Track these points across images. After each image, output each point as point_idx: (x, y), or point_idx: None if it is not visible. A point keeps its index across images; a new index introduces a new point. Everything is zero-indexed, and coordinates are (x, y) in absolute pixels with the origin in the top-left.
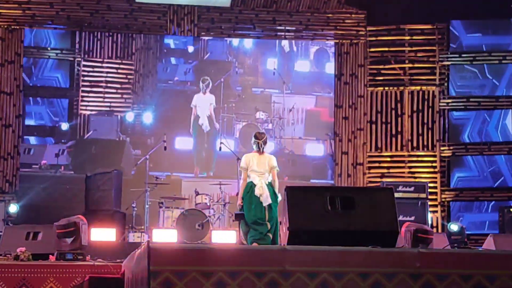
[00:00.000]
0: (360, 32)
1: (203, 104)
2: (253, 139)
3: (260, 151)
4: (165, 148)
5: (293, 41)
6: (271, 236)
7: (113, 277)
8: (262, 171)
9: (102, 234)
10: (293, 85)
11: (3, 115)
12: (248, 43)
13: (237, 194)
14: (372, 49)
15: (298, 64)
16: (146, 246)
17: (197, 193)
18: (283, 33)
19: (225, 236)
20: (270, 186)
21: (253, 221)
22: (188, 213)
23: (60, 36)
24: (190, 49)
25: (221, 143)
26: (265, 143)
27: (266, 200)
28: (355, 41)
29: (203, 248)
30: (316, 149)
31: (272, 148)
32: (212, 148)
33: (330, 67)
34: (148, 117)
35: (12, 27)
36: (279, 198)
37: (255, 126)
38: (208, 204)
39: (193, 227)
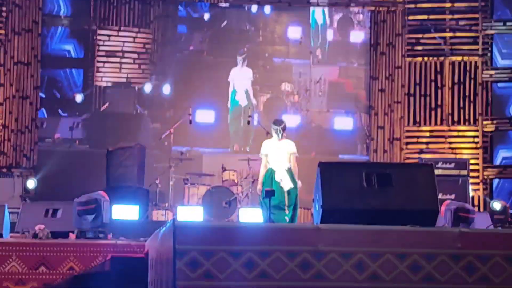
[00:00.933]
0: None
1: (241, 78)
2: (272, 125)
3: (279, 137)
4: (190, 121)
5: (326, 13)
6: (287, 220)
7: (136, 257)
8: (281, 157)
9: (125, 212)
10: (319, 55)
11: (20, 86)
12: (267, 10)
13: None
14: (411, 17)
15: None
16: (171, 224)
17: (224, 169)
18: (315, 0)
19: (253, 214)
20: (290, 171)
21: (274, 205)
22: (214, 190)
23: (73, 3)
24: (206, 16)
25: (249, 116)
26: (283, 129)
27: (287, 184)
28: (392, 9)
29: (231, 227)
30: (345, 122)
31: (298, 121)
32: (250, 124)
33: (354, 36)
34: (167, 89)
35: None
36: (299, 184)
37: (280, 99)
38: (236, 180)
39: (220, 205)
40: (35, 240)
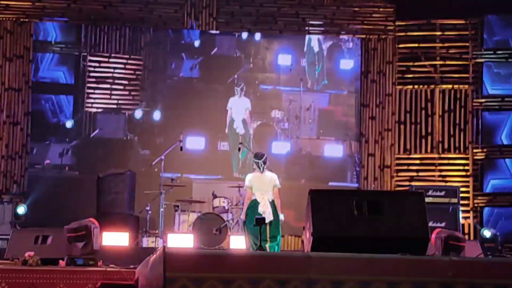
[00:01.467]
0: (389, 27)
1: (239, 107)
2: (253, 159)
3: (261, 170)
4: (181, 148)
5: (322, 40)
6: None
7: (126, 284)
8: (264, 190)
9: (115, 239)
10: (309, 82)
11: (11, 112)
12: (258, 37)
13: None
14: (401, 45)
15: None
16: (161, 252)
17: (215, 196)
18: (306, 28)
19: (244, 242)
20: (273, 204)
21: (256, 235)
22: (205, 217)
23: (64, 30)
24: (196, 43)
25: (240, 143)
26: (264, 162)
27: (269, 216)
28: (383, 36)
29: (222, 254)
30: (334, 149)
31: (288, 149)
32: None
33: (344, 64)
34: (157, 115)
35: (21, 19)
36: (281, 217)
37: (270, 126)
38: (227, 207)
39: (210, 232)
40: (25, 267)
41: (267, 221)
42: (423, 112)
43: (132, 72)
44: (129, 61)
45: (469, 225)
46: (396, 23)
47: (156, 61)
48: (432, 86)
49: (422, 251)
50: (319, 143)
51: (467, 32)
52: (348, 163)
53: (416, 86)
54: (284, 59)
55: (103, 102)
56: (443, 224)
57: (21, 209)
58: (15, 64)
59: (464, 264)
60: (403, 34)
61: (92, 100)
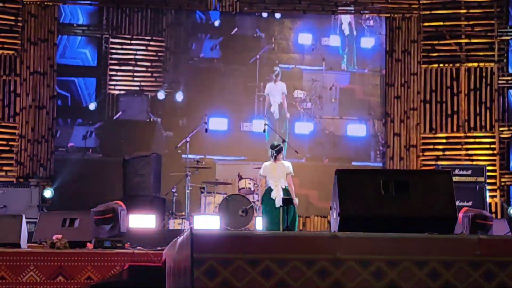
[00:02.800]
0: (413, 6)
1: (275, 92)
2: (268, 149)
3: (273, 160)
4: (206, 130)
5: (353, 24)
6: None
7: (153, 266)
8: (277, 178)
9: (141, 221)
10: (328, 62)
11: (36, 96)
12: (278, 16)
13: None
14: (426, 24)
15: (330, 38)
16: (189, 233)
17: (241, 178)
18: (330, 8)
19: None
20: (286, 190)
21: (270, 220)
22: (231, 199)
23: (87, 13)
24: (217, 23)
25: (265, 124)
26: (278, 152)
27: (278, 202)
28: (407, 15)
29: (249, 235)
30: (358, 129)
31: (312, 129)
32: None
33: (365, 42)
34: (180, 97)
35: (45, 3)
36: (295, 201)
37: (292, 106)
38: (252, 189)
39: (237, 213)
40: (52, 250)
41: (277, 206)
42: (449, 90)
43: (154, 53)
44: (151, 43)
45: (496, 204)
46: (421, 1)
47: (178, 42)
48: (458, 65)
49: (450, 230)
50: (342, 123)
51: (493, 10)
52: (372, 142)
53: (441, 65)
54: (305, 39)
55: (126, 84)
56: (470, 203)
57: (48, 193)
58: (40, 48)
59: (492, 242)
60: (427, 12)
61: (114, 82)
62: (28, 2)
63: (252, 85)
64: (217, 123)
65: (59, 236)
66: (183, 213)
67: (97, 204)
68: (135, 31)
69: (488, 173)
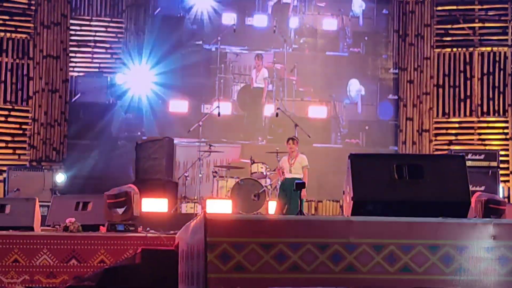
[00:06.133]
0: None
1: (259, 78)
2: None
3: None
4: (218, 114)
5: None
6: None
7: (166, 249)
8: (293, 171)
9: (154, 205)
10: (249, 41)
11: (49, 79)
12: None
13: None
14: (439, 8)
15: (256, 18)
16: (202, 217)
17: (253, 162)
18: None
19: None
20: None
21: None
22: (243, 183)
23: None
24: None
25: (277, 108)
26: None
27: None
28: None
29: (262, 219)
30: (319, 111)
31: (272, 111)
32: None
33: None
34: None
35: None
36: (303, 193)
37: (253, 88)
38: (265, 173)
39: (249, 198)
40: (66, 233)
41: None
42: (462, 75)
43: (114, 35)
44: (111, 24)
45: (508, 188)
46: None
47: (138, 23)
48: (471, 49)
49: (464, 215)
50: (303, 105)
51: None
52: (331, 124)
53: (454, 49)
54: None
55: (85, 66)
56: (482, 188)
57: (60, 177)
58: (53, 31)
59: (506, 226)
60: None
61: (73, 64)
62: None
63: (214, 67)
64: (178, 106)
65: (72, 219)
66: (196, 197)
67: (108, 188)
68: (94, 12)
69: (501, 158)
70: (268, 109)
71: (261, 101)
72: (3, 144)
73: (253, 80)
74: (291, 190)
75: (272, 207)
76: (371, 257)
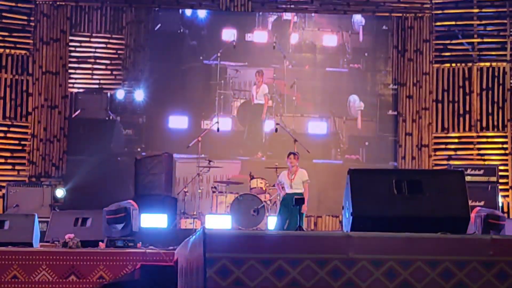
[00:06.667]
0: (425, 5)
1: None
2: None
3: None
4: (218, 129)
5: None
6: None
7: (166, 265)
8: (293, 186)
9: (153, 220)
10: (249, 57)
11: (48, 96)
12: (202, 13)
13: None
14: (438, 23)
15: (256, 35)
16: (201, 233)
17: (252, 177)
18: (342, 8)
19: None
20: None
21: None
22: (242, 198)
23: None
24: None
25: (277, 123)
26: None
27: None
28: (419, 15)
29: (261, 235)
30: (318, 127)
31: (272, 126)
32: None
33: (292, 38)
34: (139, 95)
35: (58, 3)
36: (303, 208)
37: (251, 104)
38: (264, 188)
39: (248, 213)
40: (65, 249)
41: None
42: (461, 90)
43: (114, 51)
44: (111, 40)
45: (508, 203)
46: (433, 1)
47: (138, 40)
48: (470, 64)
49: (463, 230)
50: (303, 121)
51: (505, 9)
52: (332, 140)
53: (453, 65)
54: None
55: (85, 82)
56: (482, 203)
57: (60, 192)
58: (52, 47)
59: (505, 242)
60: (439, 11)
61: (73, 81)
62: (40, 2)
63: (214, 83)
64: (177, 121)
65: (72, 235)
66: (195, 213)
67: (109, 203)
68: (94, 29)
69: (500, 173)
70: (268, 125)
71: (261, 117)
72: (2, 160)
73: (254, 96)
74: (290, 205)
75: (271, 222)
76: (370, 273)
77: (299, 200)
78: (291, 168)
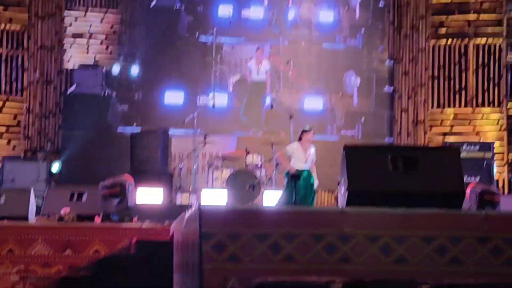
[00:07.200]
0: None
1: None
2: None
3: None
4: (213, 105)
5: None
6: None
7: (161, 240)
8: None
9: (149, 195)
10: (245, 33)
11: (44, 71)
12: None
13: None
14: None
15: (252, 10)
16: (197, 208)
17: (248, 153)
18: None
19: (277, 198)
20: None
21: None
22: (238, 174)
23: None
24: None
25: (273, 100)
26: (301, 135)
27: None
28: None
29: (257, 210)
30: (314, 103)
31: (268, 102)
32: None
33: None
34: (135, 70)
35: None
36: (316, 182)
37: (251, 81)
38: (259, 164)
39: (244, 188)
40: (60, 224)
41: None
42: (457, 67)
43: (110, 26)
44: (106, 15)
45: (503, 179)
46: None
47: (134, 15)
48: (466, 41)
49: (458, 206)
50: (299, 96)
51: None
52: (328, 116)
53: (449, 41)
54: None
55: (80, 58)
56: (477, 179)
57: (55, 166)
58: (48, 22)
59: (499, 218)
60: None
61: (68, 56)
62: None
63: (209, 59)
64: (173, 97)
65: (67, 210)
66: (191, 188)
67: (104, 178)
68: (89, 3)
69: (495, 149)
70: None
71: (262, 93)
72: None
73: (253, 72)
74: (308, 181)
75: (267, 198)
76: (365, 248)
77: (294, 176)
78: (307, 144)
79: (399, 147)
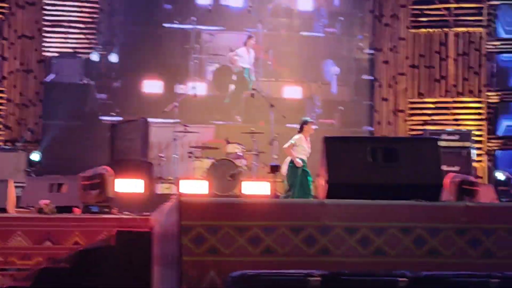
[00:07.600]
0: None
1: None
2: None
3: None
4: (195, 95)
5: None
6: None
7: (141, 231)
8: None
9: (129, 185)
10: (224, 21)
11: (24, 60)
12: None
13: None
14: None
15: None
16: (176, 200)
17: (228, 142)
18: None
19: (257, 188)
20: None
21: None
22: (218, 163)
23: None
24: None
25: (253, 89)
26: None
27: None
28: None
29: (237, 202)
30: (293, 92)
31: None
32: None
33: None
34: (114, 59)
35: None
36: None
37: (228, 68)
38: (240, 153)
39: (224, 178)
40: (40, 215)
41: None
42: (437, 55)
43: (89, 15)
44: (85, 4)
45: (483, 168)
46: None
47: (112, 4)
48: (446, 30)
49: (436, 197)
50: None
51: None
52: (307, 104)
53: (430, 30)
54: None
55: (59, 46)
56: (456, 168)
57: (35, 156)
58: (28, 11)
59: (478, 209)
60: None
61: (47, 45)
62: None
63: (188, 47)
64: (152, 86)
65: (47, 201)
66: (171, 178)
67: (84, 169)
68: None
69: (475, 138)
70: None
71: (245, 82)
72: None
73: (243, 59)
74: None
75: (246, 187)
76: (344, 239)
77: (274, 167)
78: (307, 134)
79: (379, 138)
